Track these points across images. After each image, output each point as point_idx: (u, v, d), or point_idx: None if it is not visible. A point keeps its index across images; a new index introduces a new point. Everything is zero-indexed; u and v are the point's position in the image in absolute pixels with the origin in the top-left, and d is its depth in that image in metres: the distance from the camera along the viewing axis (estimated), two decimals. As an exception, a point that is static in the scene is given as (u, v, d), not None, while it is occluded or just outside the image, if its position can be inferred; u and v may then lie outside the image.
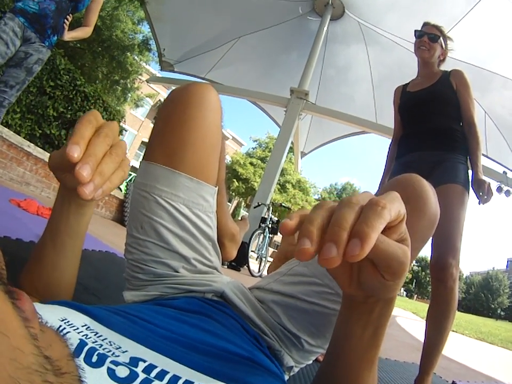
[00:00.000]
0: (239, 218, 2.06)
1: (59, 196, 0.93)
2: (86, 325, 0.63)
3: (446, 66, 3.04)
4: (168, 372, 0.57)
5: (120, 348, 0.60)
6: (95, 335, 0.61)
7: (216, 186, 1.19)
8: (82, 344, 0.56)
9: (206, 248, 1.18)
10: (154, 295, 1.10)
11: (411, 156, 2.73)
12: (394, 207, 0.50)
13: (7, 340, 0.31)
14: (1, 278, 0.39)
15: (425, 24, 2.96)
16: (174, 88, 1.25)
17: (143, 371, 0.56)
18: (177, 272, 1.12)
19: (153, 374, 0.56)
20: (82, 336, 0.59)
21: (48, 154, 6.85)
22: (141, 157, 1.18)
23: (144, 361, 0.59)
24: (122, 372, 0.54)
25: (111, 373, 0.53)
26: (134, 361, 0.58)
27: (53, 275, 0.98)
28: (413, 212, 0.89)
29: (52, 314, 0.61)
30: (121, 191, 9.95)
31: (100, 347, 0.58)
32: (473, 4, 8.64)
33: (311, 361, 1.19)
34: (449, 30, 8.64)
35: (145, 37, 14.66)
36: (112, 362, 0.55)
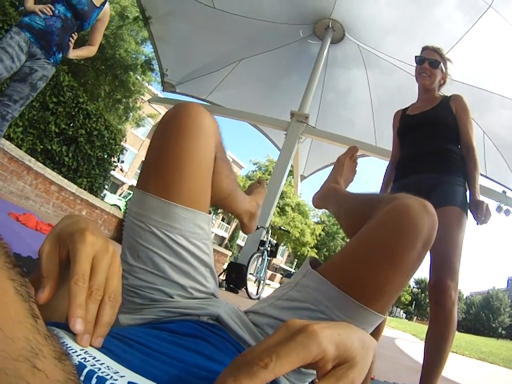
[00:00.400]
0: (257, 182, 1.97)
1: None
2: (84, 349, 0.61)
3: (445, 88, 3.10)
4: None
5: (118, 372, 0.59)
6: (93, 359, 0.60)
7: (211, 213, 1.20)
8: (81, 366, 0.54)
9: (204, 276, 1.17)
10: (149, 319, 1.08)
11: (409, 178, 2.72)
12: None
13: (0, 332, 0.32)
14: (12, 260, 0.39)
15: (425, 49, 3.00)
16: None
17: None
18: (173, 298, 1.11)
19: None
20: (81, 359, 0.57)
21: (49, 169, 6.85)
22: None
23: None
24: None
25: None
26: None
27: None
28: (403, 244, 1.00)
29: None
30: (120, 210, 9.94)
31: (98, 370, 0.56)
32: (470, 25, 8.77)
33: (307, 383, 1.14)
34: (447, 51, 8.72)
35: (148, 57, 14.74)
36: None
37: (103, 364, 0.60)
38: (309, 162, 14.59)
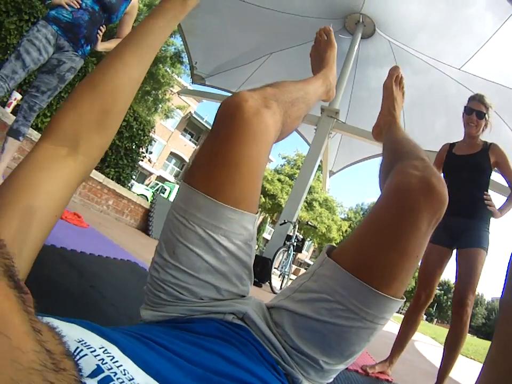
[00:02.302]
0: (323, 35, 1.94)
1: (165, 11, 1.15)
2: (103, 347, 0.60)
3: (475, 87, 3.59)
4: None
5: (133, 379, 0.57)
6: (111, 360, 0.59)
7: (257, 213, 1.16)
8: (98, 370, 0.54)
9: (240, 278, 1.14)
10: (172, 316, 1.07)
11: (448, 218, 2.86)
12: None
13: (7, 341, 0.31)
14: (11, 274, 0.39)
15: (472, 99, 3.48)
16: (221, 101, 1.18)
17: None
18: (202, 300, 1.08)
19: None
20: (99, 360, 0.56)
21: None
22: (169, 167, 1.15)
23: None
24: None
25: None
26: None
27: (123, 82, 1.05)
28: (405, 228, 1.00)
29: (69, 333, 0.58)
30: (147, 200, 9.98)
31: (114, 376, 0.55)
32: (499, 25, 8.53)
33: (332, 379, 1.14)
34: (478, 49, 8.58)
35: (178, 50, 14.80)
36: None
37: (120, 366, 0.58)
38: (338, 157, 14.53)
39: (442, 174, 3.57)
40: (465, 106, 3.49)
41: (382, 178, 1.35)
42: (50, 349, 0.38)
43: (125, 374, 0.57)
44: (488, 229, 3.30)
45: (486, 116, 3.40)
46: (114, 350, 0.61)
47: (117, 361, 0.59)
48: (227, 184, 1.05)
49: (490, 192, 3.40)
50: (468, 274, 3.12)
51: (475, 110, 3.40)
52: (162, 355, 0.71)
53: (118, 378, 0.55)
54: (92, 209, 7.71)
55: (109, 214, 8.25)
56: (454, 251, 3.37)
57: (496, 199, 3.78)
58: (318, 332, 1.02)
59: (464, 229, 3.26)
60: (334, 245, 1.22)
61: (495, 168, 3.45)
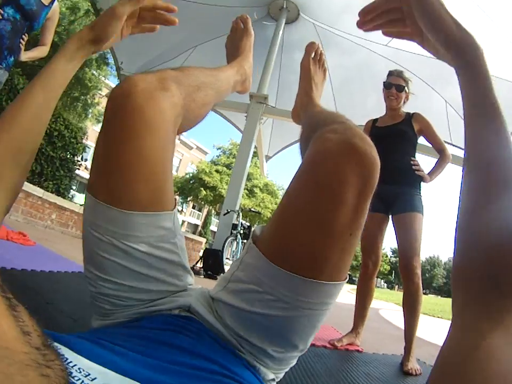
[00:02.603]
0: (239, 23, 1.87)
1: (74, 47, 1.14)
2: None
3: (403, 61, 3.62)
4: None
5: (89, 375, 0.59)
6: (64, 361, 0.57)
7: (174, 208, 1.07)
8: None
9: (176, 276, 1.09)
10: (121, 321, 1.05)
11: (378, 186, 3.00)
12: None
13: None
14: None
15: (390, 74, 3.65)
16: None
17: None
18: (143, 301, 1.05)
19: None
20: None
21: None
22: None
23: None
24: None
25: None
26: None
27: (33, 124, 1.06)
28: (326, 204, 0.85)
29: None
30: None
31: (70, 375, 0.56)
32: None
33: (293, 364, 1.09)
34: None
35: (102, 52, 14.56)
36: None
37: (75, 365, 0.60)
38: (272, 142, 14.58)
39: None
40: (384, 82, 3.65)
41: (302, 155, 1.16)
42: (38, 346, 0.38)
43: (80, 372, 0.59)
44: (420, 193, 3.46)
45: (406, 88, 3.56)
46: (66, 352, 0.62)
47: (70, 362, 0.60)
48: (129, 189, 0.95)
49: (423, 156, 3.47)
50: (407, 239, 3.25)
51: (394, 84, 3.55)
52: (116, 351, 0.72)
53: (74, 377, 0.56)
54: (36, 226, 7.57)
55: (54, 229, 8.11)
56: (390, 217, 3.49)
57: (430, 162, 3.97)
58: (257, 323, 0.94)
59: (395, 195, 3.38)
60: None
61: (421, 136, 3.62)
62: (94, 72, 15.62)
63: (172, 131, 1.04)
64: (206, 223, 52.56)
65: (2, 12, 3.55)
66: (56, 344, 0.58)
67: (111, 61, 13.54)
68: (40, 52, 4.05)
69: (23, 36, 3.77)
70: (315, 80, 1.75)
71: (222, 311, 1.00)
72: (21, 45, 3.78)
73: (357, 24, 1.02)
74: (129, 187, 0.95)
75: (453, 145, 10.76)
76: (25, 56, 3.94)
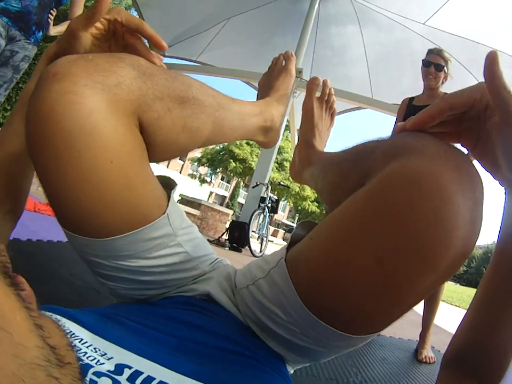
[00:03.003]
0: (279, 60, 1.54)
1: (43, 66, 0.90)
2: (70, 332, 0.61)
3: (441, 42, 3.54)
4: (154, 378, 0.56)
5: (105, 354, 0.59)
6: (79, 341, 0.60)
7: (164, 213, 0.89)
8: None
9: (185, 270, 1.01)
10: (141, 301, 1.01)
11: None
12: None
13: (9, 336, 0.30)
14: (7, 271, 0.38)
15: (430, 52, 3.53)
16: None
17: (127, 379, 0.55)
18: (159, 294, 1.01)
19: (138, 381, 0.55)
20: None
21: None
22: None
23: (130, 367, 0.57)
24: (104, 383, 0.52)
25: None
26: (120, 368, 0.56)
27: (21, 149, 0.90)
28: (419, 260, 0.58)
29: None
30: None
31: (84, 355, 0.56)
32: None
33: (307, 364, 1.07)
34: (443, 3, 8.57)
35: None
36: (94, 373, 0.53)
37: (90, 345, 0.59)
38: (305, 116, 14.49)
39: None
40: (423, 60, 3.53)
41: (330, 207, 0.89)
42: (54, 344, 0.38)
43: (96, 352, 0.58)
44: None
45: (445, 68, 3.45)
46: (82, 332, 0.62)
47: (85, 342, 0.60)
48: (92, 220, 0.77)
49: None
50: None
51: (433, 63, 3.43)
52: (134, 329, 0.72)
53: (88, 357, 0.56)
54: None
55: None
56: None
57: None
58: (279, 339, 0.85)
59: None
60: (310, 221, 0.96)
61: None
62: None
63: (127, 130, 0.75)
64: (233, 195, 52.54)
65: None
66: (74, 329, 0.63)
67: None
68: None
69: (51, 11, 3.82)
70: (319, 127, 1.43)
71: (242, 309, 0.93)
72: (49, 19, 3.83)
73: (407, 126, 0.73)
74: (90, 217, 0.77)
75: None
76: (54, 30, 3.98)
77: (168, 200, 0.92)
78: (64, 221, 0.81)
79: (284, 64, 1.54)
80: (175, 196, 0.99)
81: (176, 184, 1.03)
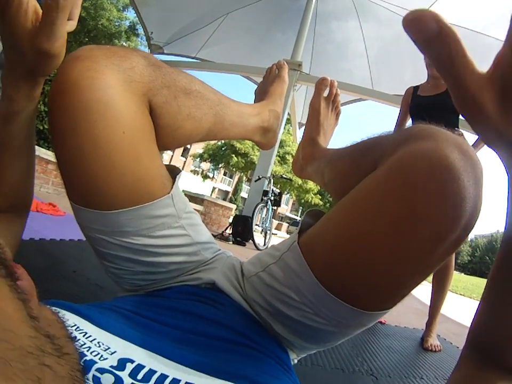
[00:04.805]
0: (273, 68, 1.66)
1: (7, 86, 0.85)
2: (75, 325, 0.62)
3: None
4: (155, 372, 0.57)
5: (109, 348, 0.60)
6: (83, 335, 0.61)
7: (170, 191, 0.94)
8: None
9: (188, 254, 1.02)
10: (144, 293, 1.03)
11: None
12: None
13: None
14: (3, 261, 0.39)
15: None
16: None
17: (129, 374, 0.56)
18: (163, 280, 1.03)
19: (140, 376, 0.56)
20: None
21: (43, 149, 6.85)
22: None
23: (132, 361, 0.59)
24: (107, 379, 0.53)
25: (96, 381, 0.53)
26: (122, 364, 0.57)
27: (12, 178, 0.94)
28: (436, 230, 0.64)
29: None
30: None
31: (88, 350, 0.57)
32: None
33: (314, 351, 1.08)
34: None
35: (132, 23, 14.59)
36: (98, 370, 0.54)
37: (94, 339, 0.60)
38: (305, 109, 14.41)
39: (410, 118, 3.60)
40: None
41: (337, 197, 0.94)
42: (52, 334, 0.38)
43: (99, 346, 0.59)
44: None
45: None
46: (87, 326, 0.63)
47: (90, 336, 0.61)
48: (99, 188, 0.82)
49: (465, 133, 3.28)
50: None
51: None
52: (138, 322, 0.73)
53: (92, 352, 0.57)
54: (67, 197, 7.65)
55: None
56: None
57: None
58: (289, 323, 0.88)
59: None
60: (318, 210, 1.01)
61: None
62: (124, 43, 15.68)
63: (139, 108, 0.84)
64: (236, 189, 52.59)
65: None
66: (79, 322, 0.64)
67: (140, 31, 13.55)
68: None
69: None
70: (324, 126, 1.50)
71: (251, 296, 0.95)
72: None
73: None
74: (99, 186, 0.82)
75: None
76: None
77: (173, 183, 0.97)
78: (74, 192, 0.88)
79: (277, 72, 1.66)
80: (180, 187, 1.03)
81: (181, 171, 1.06)
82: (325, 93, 1.54)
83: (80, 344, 0.57)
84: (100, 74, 0.77)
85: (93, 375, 0.53)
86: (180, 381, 0.56)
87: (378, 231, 0.67)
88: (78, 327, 0.62)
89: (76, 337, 0.58)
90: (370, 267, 0.70)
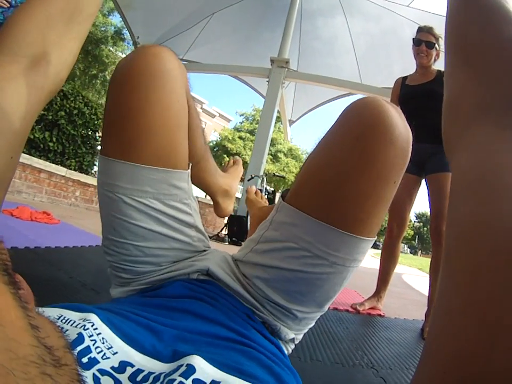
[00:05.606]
0: (231, 161, 1.91)
1: None
2: (82, 318, 0.63)
3: (435, 22, 3.48)
4: (153, 373, 0.58)
5: (111, 347, 0.61)
6: (92, 326, 0.62)
7: (188, 169, 1.07)
8: (80, 339, 0.57)
9: (189, 236, 1.10)
10: (139, 289, 1.06)
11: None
12: None
13: (2, 329, 0.30)
14: (6, 269, 0.38)
15: (420, 30, 3.53)
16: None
17: (129, 378, 0.57)
18: (161, 266, 1.07)
19: (139, 377, 0.57)
20: (81, 327, 0.60)
21: (35, 158, 6.85)
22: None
23: (132, 366, 0.60)
24: (106, 382, 0.54)
25: (96, 381, 0.54)
26: (123, 366, 0.59)
27: None
28: (374, 140, 0.84)
29: (48, 313, 0.59)
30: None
31: (93, 344, 0.58)
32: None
33: (312, 325, 1.12)
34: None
35: (117, 28, 14.56)
36: (99, 370, 0.55)
37: (99, 334, 0.61)
38: (295, 106, 14.48)
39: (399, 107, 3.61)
40: (413, 38, 3.53)
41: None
42: (51, 345, 0.37)
43: (103, 343, 0.60)
44: None
45: (436, 45, 3.43)
46: (93, 317, 0.64)
47: (96, 328, 0.62)
48: (138, 139, 0.94)
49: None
50: (440, 200, 3.11)
51: (424, 41, 3.43)
52: (135, 321, 0.73)
53: (96, 348, 0.58)
54: (61, 205, 7.73)
55: (79, 206, 8.34)
56: (423, 181, 3.40)
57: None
58: (288, 281, 0.97)
59: (429, 154, 3.24)
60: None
61: None
62: (111, 48, 15.68)
63: (184, 94, 1.03)
64: (231, 190, 52.50)
65: (10, 0, 3.49)
66: (86, 313, 0.65)
67: (127, 35, 13.56)
68: None
69: None
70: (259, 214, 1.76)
71: (251, 271, 1.03)
72: None
73: None
74: (139, 137, 0.95)
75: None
76: None
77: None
78: (115, 145, 0.98)
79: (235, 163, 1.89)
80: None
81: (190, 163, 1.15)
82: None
83: (88, 335, 0.59)
84: (168, 56, 0.97)
85: (93, 374, 0.54)
86: (174, 380, 0.55)
87: (341, 147, 0.89)
88: (85, 319, 0.63)
89: (88, 328, 0.60)
90: (342, 185, 0.88)
